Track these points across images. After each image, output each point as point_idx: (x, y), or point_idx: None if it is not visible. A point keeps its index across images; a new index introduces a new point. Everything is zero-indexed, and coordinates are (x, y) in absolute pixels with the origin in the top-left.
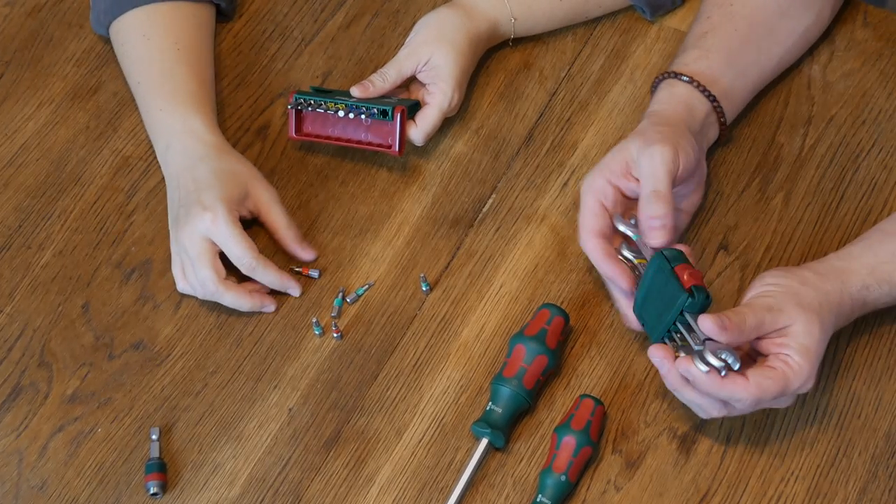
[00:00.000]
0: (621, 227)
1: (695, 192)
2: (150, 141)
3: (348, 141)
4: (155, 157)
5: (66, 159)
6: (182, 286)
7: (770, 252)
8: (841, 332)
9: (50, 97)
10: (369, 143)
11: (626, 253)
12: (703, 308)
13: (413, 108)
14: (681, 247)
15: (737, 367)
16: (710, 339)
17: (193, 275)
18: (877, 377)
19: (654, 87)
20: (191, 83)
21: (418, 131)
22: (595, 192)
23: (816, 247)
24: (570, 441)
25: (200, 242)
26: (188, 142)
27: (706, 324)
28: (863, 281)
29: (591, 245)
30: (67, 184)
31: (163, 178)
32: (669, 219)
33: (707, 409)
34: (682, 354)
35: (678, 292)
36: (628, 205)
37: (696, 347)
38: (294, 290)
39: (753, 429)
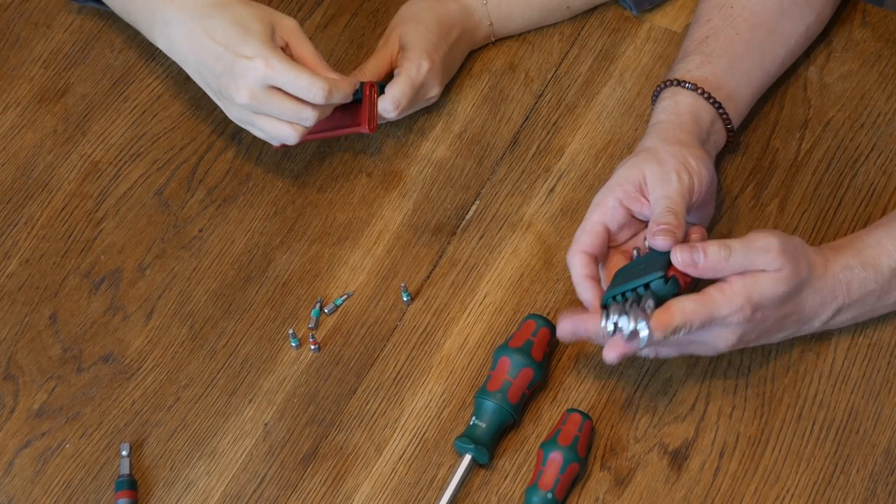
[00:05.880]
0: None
1: (707, 205)
2: (119, 145)
3: (319, 131)
4: (126, 163)
5: (32, 164)
6: (287, 138)
7: None
8: (838, 344)
9: (16, 100)
10: (340, 128)
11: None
12: (666, 297)
13: (384, 87)
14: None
15: (644, 331)
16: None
17: (280, 122)
18: (875, 391)
19: (655, 96)
20: None
21: (386, 98)
22: (603, 212)
23: None
24: (556, 457)
25: (263, 92)
26: (184, 4)
27: (676, 256)
28: (846, 261)
29: (577, 261)
30: (34, 190)
31: (133, 183)
32: (680, 230)
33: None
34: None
35: (657, 269)
36: (636, 227)
37: (631, 325)
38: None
39: (748, 445)
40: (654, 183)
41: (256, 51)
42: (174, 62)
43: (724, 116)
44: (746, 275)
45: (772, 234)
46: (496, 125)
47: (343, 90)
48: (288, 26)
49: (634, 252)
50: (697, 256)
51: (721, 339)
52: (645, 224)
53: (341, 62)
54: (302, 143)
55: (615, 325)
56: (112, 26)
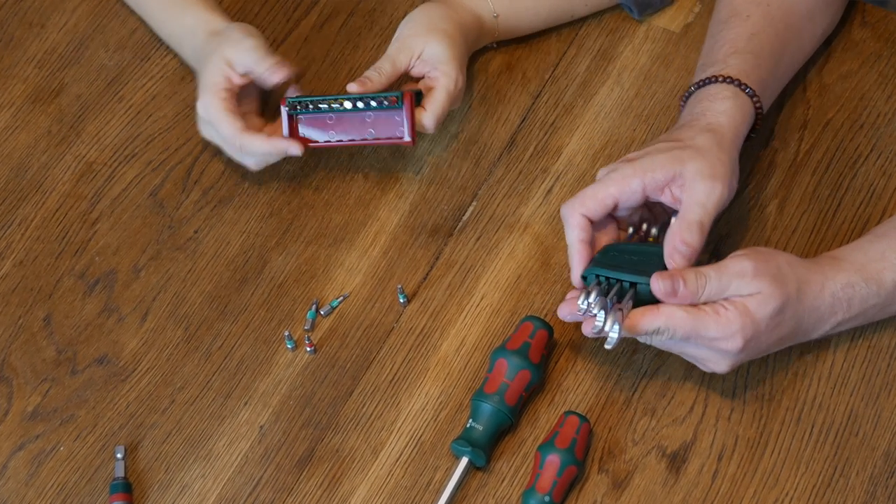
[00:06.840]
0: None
1: None
2: (114, 146)
3: (352, 141)
4: (120, 164)
5: (26, 165)
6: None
7: None
8: (838, 347)
9: (10, 100)
10: (377, 139)
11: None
12: (648, 302)
13: (418, 97)
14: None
15: (615, 334)
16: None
17: (225, 144)
18: (875, 393)
19: (702, 84)
20: None
21: (429, 115)
22: (622, 188)
23: (812, 256)
24: (554, 460)
25: (205, 126)
26: (187, 36)
27: (657, 285)
28: (848, 278)
29: (576, 222)
30: (28, 191)
31: (128, 184)
32: (697, 253)
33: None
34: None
35: (647, 275)
36: (641, 209)
37: (605, 326)
38: (294, 149)
39: (747, 447)
40: (695, 184)
41: (201, 90)
42: (169, 63)
43: (758, 126)
44: (740, 305)
45: (748, 257)
46: (493, 126)
47: (259, 148)
48: (235, 58)
49: (630, 230)
50: (678, 286)
51: (714, 363)
52: (649, 207)
53: (337, 62)
54: (325, 148)
55: (590, 308)
56: (107, 26)
